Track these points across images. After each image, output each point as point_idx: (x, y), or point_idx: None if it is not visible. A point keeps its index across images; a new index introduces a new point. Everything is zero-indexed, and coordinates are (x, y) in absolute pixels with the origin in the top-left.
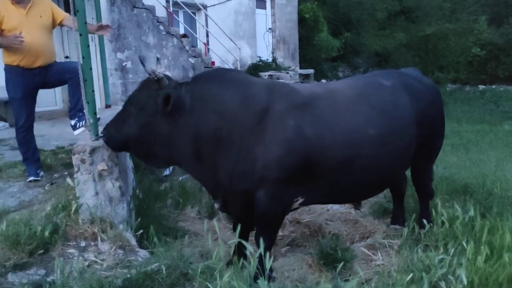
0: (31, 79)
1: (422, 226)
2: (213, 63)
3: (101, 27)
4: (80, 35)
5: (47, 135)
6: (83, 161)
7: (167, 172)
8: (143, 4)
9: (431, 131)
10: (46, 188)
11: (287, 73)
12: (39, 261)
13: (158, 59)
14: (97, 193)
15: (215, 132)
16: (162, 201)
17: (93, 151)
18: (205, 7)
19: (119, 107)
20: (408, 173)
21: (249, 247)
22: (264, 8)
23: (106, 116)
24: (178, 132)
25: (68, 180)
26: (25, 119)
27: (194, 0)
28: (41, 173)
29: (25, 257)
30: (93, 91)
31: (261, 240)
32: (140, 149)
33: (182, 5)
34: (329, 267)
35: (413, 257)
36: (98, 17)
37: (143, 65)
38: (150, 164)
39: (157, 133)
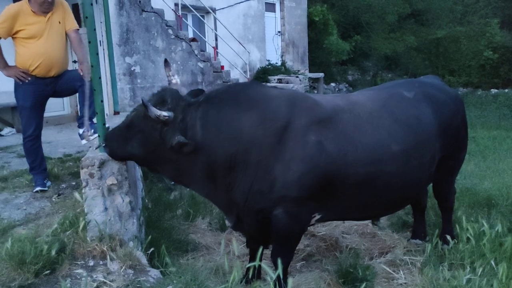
0: (42, 88)
1: (445, 241)
2: (222, 67)
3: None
4: (89, 42)
5: (54, 141)
6: (91, 175)
7: None
8: (152, 7)
9: (455, 142)
10: (53, 199)
11: (297, 76)
12: (45, 282)
13: (166, 60)
14: (106, 209)
15: (231, 157)
16: (172, 211)
17: (102, 164)
18: (214, 10)
19: (127, 113)
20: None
21: (271, 272)
22: (274, 11)
23: (115, 123)
24: (189, 159)
25: (76, 195)
26: (33, 128)
27: (203, 4)
28: (48, 183)
29: (30, 277)
30: (102, 101)
31: (279, 261)
32: (145, 165)
33: (191, 8)
34: (349, 286)
35: (439, 276)
36: (107, 21)
37: (147, 109)
38: (156, 175)
39: (164, 159)
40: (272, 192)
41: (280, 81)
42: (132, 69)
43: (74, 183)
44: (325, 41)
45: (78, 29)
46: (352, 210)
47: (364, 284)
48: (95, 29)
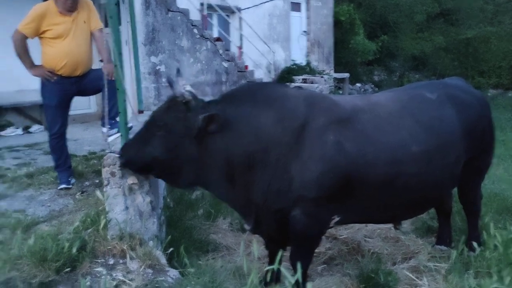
0: (68, 87)
1: (471, 248)
2: (246, 67)
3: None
4: (113, 42)
5: (80, 139)
6: (113, 174)
7: None
8: (178, 7)
9: (480, 145)
10: (77, 197)
11: (322, 77)
12: (66, 279)
13: (178, 70)
14: (127, 208)
15: (249, 155)
16: (193, 210)
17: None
18: (239, 10)
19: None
20: (454, 189)
21: (289, 276)
22: (299, 10)
23: (139, 122)
24: (208, 156)
25: (98, 193)
26: (59, 126)
27: (228, 3)
28: (72, 181)
29: (51, 274)
30: (125, 100)
31: (299, 264)
32: (164, 171)
33: (217, 8)
34: None
35: (464, 284)
36: (132, 21)
37: (171, 86)
38: (173, 185)
39: (185, 156)
40: (291, 191)
41: (305, 81)
42: (157, 68)
43: (97, 181)
44: (351, 41)
45: (102, 29)
46: (371, 212)
47: None
48: (118, 29)
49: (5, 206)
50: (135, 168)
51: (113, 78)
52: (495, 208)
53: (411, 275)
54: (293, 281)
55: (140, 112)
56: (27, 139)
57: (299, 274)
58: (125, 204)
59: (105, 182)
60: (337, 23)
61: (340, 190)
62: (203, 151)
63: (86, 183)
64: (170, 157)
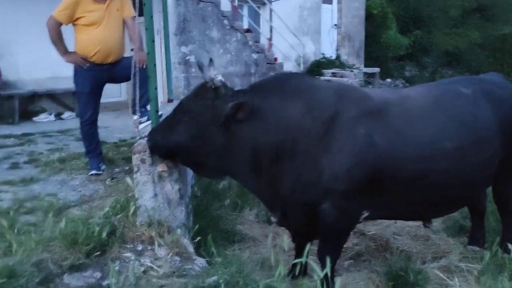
0: (100, 74)
1: (506, 250)
2: (275, 59)
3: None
4: (146, 29)
5: (111, 126)
6: (143, 161)
7: None
8: None
9: None
10: (107, 183)
11: (352, 71)
12: (95, 263)
13: (211, 60)
14: (156, 195)
15: (278, 145)
16: (220, 201)
17: None
18: (270, 1)
19: None
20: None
21: (318, 270)
22: (330, 3)
23: (168, 111)
24: (235, 145)
25: (128, 180)
26: (91, 113)
27: None
28: (103, 167)
29: (82, 257)
30: (156, 88)
31: (328, 259)
32: (189, 158)
33: (249, 1)
34: None
35: (497, 286)
36: (164, 11)
37: (201, 70)
38: (199, 173)
39: (210, 144)
40: (320, 184)
41: (334, 75)
42: (187, 58)
43: (127, 168)
44: (383, 35)
45: (135, 17)
46: (400, 208)
47: None
48: (152, 17)
49: (39, 189)
50: (161, 153)
51: (144, 66)
52: None
53: (441, 274)
54: (322, 275)
55: (170, 101)
56: (60, 125)
57: (328, 268)
58: (154, 191)
59: (135, 169)
60: (369, 17)
61: (370, 184)
62: (229, 140)
63: (116, 169)
64: (195, 143)
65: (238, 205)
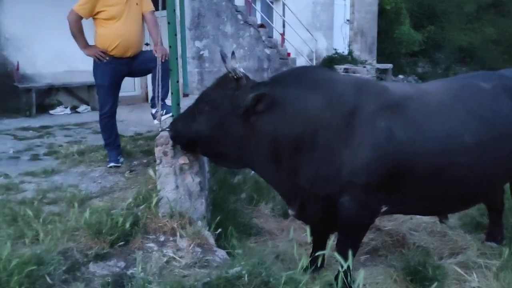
0: (119, 67)
1: None
2: (288, 54)
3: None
4: (168, 23)
5: (126, 120)
6: (165, 153)
7: None
8: None
9: None
10: (126, 175)
11: (364, 67)
12: (119, 253)
13: (233, 53)
14: (177, 187)
15: (297, 137)
16: (235, 194)
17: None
18: None
19: (196, 96)
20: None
21: (343, 262)
22: None
23: (184, 105)
24: (254, 135)
25: (150, 171)
26: (110, 106)
27: None
28: (121, 159)
29: (106, 247)
30: (177, 81)
31: (350, 251)
32: (209, 149)
33: None
34: (417, 285)
35: None
36: (181, 5)
37: (224, 60)
38: (219, 164)
39: (230, 134)
40: (340, 177)
41: (346, 70)
42: (201, 53)
43: (145, 161)
44: (396, 31)
45: (154, 11)
46: (418, 203)
47: (435, 284)
48: (174, 10)
49: (60, 180)
50: (182, 142)
51: (163, 60)
52: None
53: (460, 270)
54: (345, 266)
55: (185, 95)
56: (76, 118)
57: (350, 261)
58: (176, 183)
59: (158, 161)
60: (382, 12)
61: (389, 178)
62: (249, 131)
63: (134, 162)
64: (215, 133)
65: (253, 199)
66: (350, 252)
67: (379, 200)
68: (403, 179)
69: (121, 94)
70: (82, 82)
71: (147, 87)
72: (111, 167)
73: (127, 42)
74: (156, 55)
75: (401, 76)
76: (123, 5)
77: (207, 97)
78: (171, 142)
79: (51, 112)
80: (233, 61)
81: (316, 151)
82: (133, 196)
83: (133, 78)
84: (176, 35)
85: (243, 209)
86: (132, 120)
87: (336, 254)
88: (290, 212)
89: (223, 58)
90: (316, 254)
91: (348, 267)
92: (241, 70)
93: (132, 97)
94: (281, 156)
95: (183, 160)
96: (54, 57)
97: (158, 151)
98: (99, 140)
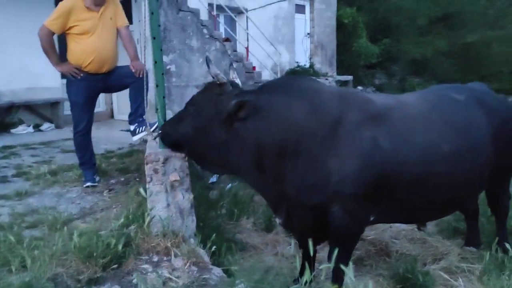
0: (94, 83)
1: (504, 250)
2: (254, 68)
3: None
4: (154, 38)
5: (95, 137)
6: (156, 171)
7: (214, 179)
8: (188, 7)
9: (508, 148)
10: (105, 194)
11: (326, 79)
12: (113, 276)
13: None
14: (168, 205)
15: (280, 144)
16: (215, 210)
17: (166, 160)
18: (246, 10)
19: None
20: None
21: (351, 274)
22: (303, 13)
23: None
24: (237, 141)
25: (141, 190)
26: (85, 123)
27: (237, 4)
28: (97, 178)
29: (98, 271)
30: (164, 97)
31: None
32: (193, 151)
33: (225, 8)
34: None
35: (503, 284)
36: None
37: (208, 66)
38: (204, 168)
39: (213, 138)
40: (327, 186)
41: None
42: (167, 67)
43: (122, 179)
44: (354, 44)
45: (128, 26)
46: (403, 213)
47: None
48: (159, 25)
49: (36, 203)
50: (170, 143)
51: (140, 75)
52: None
53: (446, 275)
54: (353, 278)
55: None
56: (40, 137)
57: (351, 274)
58: (167, 201)
59: (148, 179)
60: (340, 26)
61: (376, 188)
62: (233, 137)
63: (111, 181)
64: (198, 136)
65: (234, 213)
66: (350, 264)
67: (368, 209)
68: (388, 188)
69: None
70: (45, 99)
71: (112, 103)
72: (87, 186)
73: (102, 58)
74: (133, 71)
75: (360, 88)
76: (97, 19)
77: (194, 100)
78: (161, 159)
79: (12, 131)
80: (232, 70)
81: (300, 158)
82: (125, 215)
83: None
84: (161, 50)
85: (225, 224)
86: (101, 137)
87: (342, 267)
88: (277, 220)
89: (208, 64)
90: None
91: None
92: (238, 81)
93: (97, 113)
94: (265, 163)
95: (174, 177)
96: (15, 74)
97: (148, 168)
98: (69, 159)
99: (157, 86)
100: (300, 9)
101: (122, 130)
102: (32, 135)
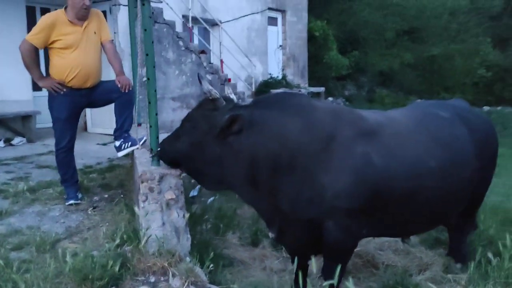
0: (78, 99)
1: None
2: (229, 80)
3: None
4: (147, 55)
5: None
6: (151, 189)
7: (194, 192)
8: (164, 19)
9: (489, 164)
10: (89, 212)
11: (299, 90)
12: None
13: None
14: (163, 224)
15: (274, 159)
16: (199, 225)
17: (161, 178)
18: (220, 22)
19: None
20: None
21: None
22: (276, 25)
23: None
24: (232, 155)
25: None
26: (68, 140)
27: (212, 16)
28: (80, 195)
29: None
30: (156, 114)
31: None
32: (190, 167)
33: (201, 20)
34: None
35: None
36: (131, 33)
37: (200, 83)
38: (202, 184)
39: (208, 153)
40: (323, 202)
41: None
42: (143, 80)
43: (106, 196)
44: (325, 56)
45: (113, 40)
46: (392, 226)
47: None
48: (152, 42)
49: (17, 222)
50: (167, 160)
51: (126, 90)
52: (498, 220)
53: (433, 286)
54: None
55: (139, 125)
56: (12, 152)
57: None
58: (162, 220)
59: (143, 198)
60: (311, 38)
61: (369, 202)
62: (226, 151)
63: (95, 198)
64: (193, 151)
65: (220, 228)
66: (351, 281)
67: (361, 223)
68: (380, 202)
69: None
70: (16, 112)
71: (85, 115)
72: (71, 204)
73: (86, 72)
74: (119, 85)
75: (330, 99)
76: (80, 33)
77: (189, 117)
78: (157, 177)
79: None
80: (227, 87)
81: (294, 174)
82: (119, 235)
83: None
84: (154, 67)
85: (211, 239)
86: (77, 151)
87: (346, 282)
88: (270, 234)
89: (200, 80)
90: (324, 284)
91: None
92: (233, 96)
93: None
94: (259, 177)
95: (169, 195)
96: None
97: (143, 187)
98: (45, 175)
99: (149, 103)
100: (272, 21)
101: (98, 144)
102: (3, 149)
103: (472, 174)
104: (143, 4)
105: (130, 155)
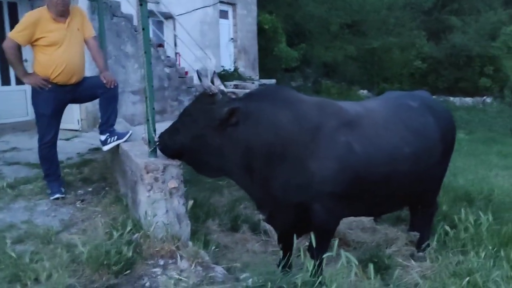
0: (62, 95)
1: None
2: (186, 73)
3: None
4: (145, 52)
5: (34, 148)
6: (156, 179)
7: None
8: (122, 12)
9: (450, 148)
10: (78, 205)
11: (253, 83)
12: (126, 282)
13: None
14: (167, 211)
15: (268, 148)
16: None
17: (164, 169)
18: (175, 15)
19: None
20: None
21: (354, 259)
22: (227, 18)
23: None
24: (230, 145)
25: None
26: (52, 135)
27: (167, 9)
28: (63, 190)
29: (111, 278)
30: (153, 108)
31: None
32: (192, 158)
33: (156, 12)
34: (375, 275)
35: (451, 260)
36: (101, 29)
37: (200, 79)
38: (202, 173)
39: (208, 144)
40: (311, 187)
41: (236, 86)
42: None
43: (90, 189)
44: (275, 49)
45: (96, 36)
46: (369, 208)
47: (397, 271)
48: (150, 40)
49: (8, 218)
50: (169, 153)
51: (112, 86)
52: (452, 197)
53: (401, 260)
54: (356, 263)
55: None
56: None
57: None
58: (166, 207)
59: (148, 188)
60: (261, 31)
61: (351, 186)
62: (225, 141)
63: (79, 191)
64: (195, 144)
65: (200, 216)
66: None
67: (344, 205)
68: (360, 186)
69: (12, 119)
70: None
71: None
72: (56, 198)
73: (70, 69)
74: (104, 81)
75: None
76: (64, 30)
77: (188, 111)
78: (161, 168)
79: None
80: (215, 79)
81: (285, 162)
82: (130, 224)
83: (25, 103)
84: (151, 63)
85: (193, 227)
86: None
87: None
88: (261, 216)
89: (199, 77)
90: (324, 256)
91: (320, 266)
92: (222, 88)
93: (25, 122)
94: (254, 164)
95: (172, 184)
96: None
97: (149, 177)
98: (19, 171)
99: (146, 97)
100: (223, 14)
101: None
102: None
103: (439, 159)
104: (141, 4)
105: (114, 149)
